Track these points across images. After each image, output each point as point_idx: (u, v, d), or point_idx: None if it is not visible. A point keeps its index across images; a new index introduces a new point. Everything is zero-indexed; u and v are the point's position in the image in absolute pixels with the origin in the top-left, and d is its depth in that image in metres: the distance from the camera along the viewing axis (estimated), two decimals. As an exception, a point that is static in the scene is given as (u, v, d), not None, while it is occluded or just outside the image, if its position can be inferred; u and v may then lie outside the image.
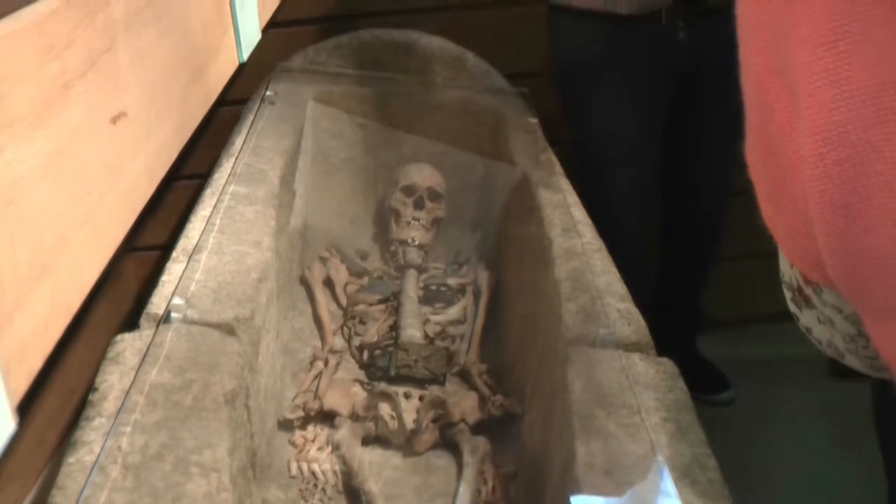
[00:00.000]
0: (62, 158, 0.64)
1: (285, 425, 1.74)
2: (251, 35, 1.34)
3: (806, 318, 0.77)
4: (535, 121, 2.33)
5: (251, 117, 2.21)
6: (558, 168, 2.10)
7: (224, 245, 1.63)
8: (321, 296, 2.13)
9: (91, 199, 0.70)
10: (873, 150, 0.51)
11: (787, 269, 0.74)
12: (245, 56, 1.28)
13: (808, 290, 0.73)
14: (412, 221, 2.27)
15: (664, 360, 1.44)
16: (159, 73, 0.91)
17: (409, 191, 2.31)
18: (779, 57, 0.58)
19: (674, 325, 2.47)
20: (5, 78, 0.57)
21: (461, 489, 1.59)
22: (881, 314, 0.59)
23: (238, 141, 2.08)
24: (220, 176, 1.91)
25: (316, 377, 1.87)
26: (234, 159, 1.99)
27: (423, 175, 2.33)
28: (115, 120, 0.76)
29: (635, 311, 1.55)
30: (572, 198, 1.96)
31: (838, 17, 0.50)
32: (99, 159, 0.71)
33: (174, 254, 1.62)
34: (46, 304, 0.60)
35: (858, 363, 0.76)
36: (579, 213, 1.89)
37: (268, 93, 2.33)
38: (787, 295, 0.78)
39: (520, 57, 2.60)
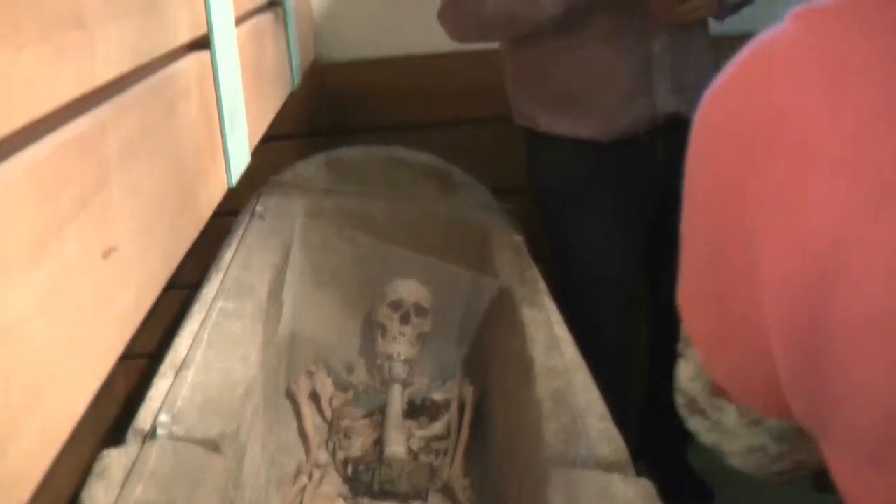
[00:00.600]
0: (56, 297, 0.67)
1: (268, 541, 1.74)
2: (241, 159, 1.39)
3: (693, 424, 0.78)
4: (519, 238, 2.38)
5: (240, 231, 2.26)
6: (542, 286, 2.14)
7: (211, 360, 1.66)
8: (307, 409, 2.14)
9: (82, 332, 0.73)
10: (830, 305, 0.53)
11: (687, 382, 0.76)
12: (234, 181, 1.33)
13: (706, 406, 0.74)
14: (398, 336, 2.30)
15: (643, 480, 1.46)
16: (150, 205, 0.95)
17: (395, 306, 2.34)
18: (733, 209, 0.60)
19: (664, 436, 2.48)
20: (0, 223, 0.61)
21: None
22: (864, 458, 0.57)
23: (227, 255, 2.12)
24: (209, 290, 1.95)
25: (300, 491, 1.88)
26: (222, 273, 2.03)
27: (410, 290, 2.36)
28: (106, 254, 0.79)
29: (615, 430, 1.57)
30: (555, 315, 1.99)
31: (796, 173, 0.54)
32: (91, 294, 0.74)
33: (162, 369, 1.64)
34: (37, 436, 0.63)
35: (754, 470, 0.77)
36: (562, 330, 1.92)
37: (258, 207, 2.38)
38: (679, 400, 0.79)
39: (506, 172, 2.67)
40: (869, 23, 0.54)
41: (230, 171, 1.32)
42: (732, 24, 2.39)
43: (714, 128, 0.61)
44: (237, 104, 1.39)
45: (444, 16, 2.28)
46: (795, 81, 0.55)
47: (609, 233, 2.32)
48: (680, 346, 0.77)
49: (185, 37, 1.17)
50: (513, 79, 2.41)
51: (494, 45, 2.45)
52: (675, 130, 2.17)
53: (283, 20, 2.06)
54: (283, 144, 2.63)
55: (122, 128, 0.88)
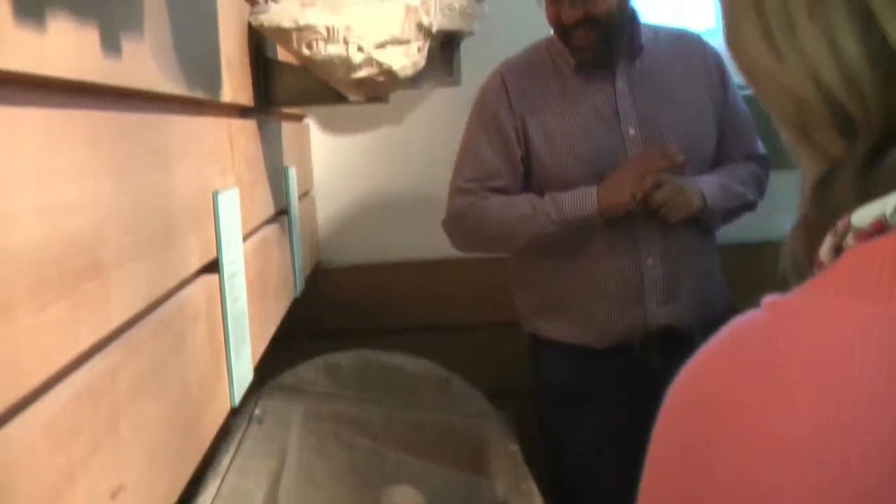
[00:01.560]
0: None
1: None
2: (244, 379, 1.41)
3: None
4: (515, 447, 2.38)
5: (238, 435, 2.26)
6: (538, 500, 2.13)
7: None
8: None
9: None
10: None
11: None
12: (237, 400, 1.35)
13: None
14: (393, 544, 2.27)
15: None
16: (157, 439, 0.97)
17: (391, 512, 2.32)
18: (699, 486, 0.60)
19: None
20: (11, 476, 0.63)
21: None
22: None
23: (224, 460, 2.11)
24: (206, 498, 1.94)
25: None
26: (219, 480, 2.02)
27: (406, 497, 2.35)
28: (114, 494, 0.81)
29: None
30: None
31: (762, 465, 0.56)
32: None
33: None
34: None
35: None
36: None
37: (256, 411, 2.39)
38: None
39: (504, 376, 2.70)
40: (832, 321, 0.57)
41: (233, 391, 1.35)
42: (741, 231, 2.47)
43: (683, 404, 0.63)
44: (242, 325, 1.43)
45: (448, 226, 2.41)
46: (758, 376, 0.57)
47: (602, 445, 2.31)
48: None
49: (195, 265, 1.22)
50: (514, 285, 2.48)
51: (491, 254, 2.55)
52: (669, 342, 2.23)
53: (289, 228, 2.14)
54: (282, 346, 2.66)
55: (133, 368, 0.91)
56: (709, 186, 2.25)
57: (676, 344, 2.24)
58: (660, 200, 2.18)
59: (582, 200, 2.22)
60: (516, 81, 2.35)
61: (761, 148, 2.37)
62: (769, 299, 0.61)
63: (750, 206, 2.37)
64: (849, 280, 0.59)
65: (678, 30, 2.46)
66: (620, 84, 2.28)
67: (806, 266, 0.66)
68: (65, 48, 0.80)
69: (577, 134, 2.28)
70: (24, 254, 0.68)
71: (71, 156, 0.79)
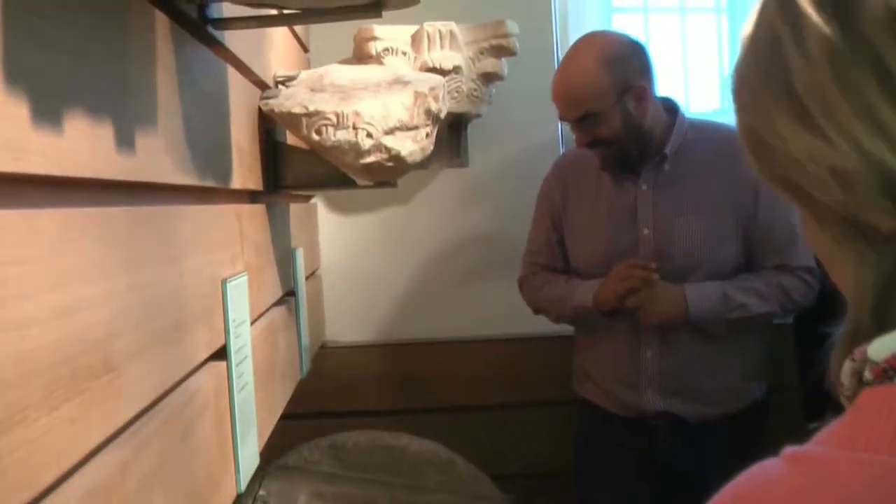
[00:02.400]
0: None
1: None
2: (250, 464, 1.41)
3: None
4: (521, 530, 2.37)
5: (243, 518, 2.24)
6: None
7: None
8: None
9: None
10: None
11: None
12: (244, 486, 1.35)
13: None
14: None
15: None
16: (162, 532, 0.96)
17: None
18: None
19: None
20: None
21: None
22: None
23: (228, 544, 2.09)
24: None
25: None
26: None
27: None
28: None
29: None
30: None
31: None
32: None
33: None
34: None
35: None
36: None
37: (261, 492, 2.37)
38: None
39: (510, 458, 2.69)
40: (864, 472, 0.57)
41: (240, 477, 1.35)
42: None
43: None
44: (250, 411, 1.43)
45: (520, 287, 2.58)
46: None
47: (615, 498, 2.41)
48: None
49: (204, 354, 1.22)
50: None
51: (499, 334, 2.57)
52: (677, 427, 2.26)
53: (296, 309, 2.14)
54: (287, 424, 2.65)
55: (142, 462, 0.91)
56: (699, 295, 2.27)
57: (683, 431, 2.28)
58: (631, 305, 2.27)
59: (584, 293, 2.35)
60: (563, 172, 2.50)
61: (801, 259, 2.30)
62: (789, 451, 0.61)
63: (763, 318, 2.34)
64: (866, 432, 0.59)
65: (724, 129, 2.37)
66: (645, 186, 2.34)
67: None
68: (80, 148, 0.81)
69: (595, 229, 2.39)
70: (38, 355, 0.69)
71: (85, 254, 0.80)
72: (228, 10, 1.40)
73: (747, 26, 0.72)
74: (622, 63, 2.23)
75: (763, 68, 0.68)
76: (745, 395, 2.36)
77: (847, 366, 0.62)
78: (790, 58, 0.65)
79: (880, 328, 0.61)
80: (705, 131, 2.38)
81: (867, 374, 0.60)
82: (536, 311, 2.56)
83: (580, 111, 2.24)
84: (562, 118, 2.34)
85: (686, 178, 2.33)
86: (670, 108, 2.38)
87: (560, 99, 2.29)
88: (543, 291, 2.49)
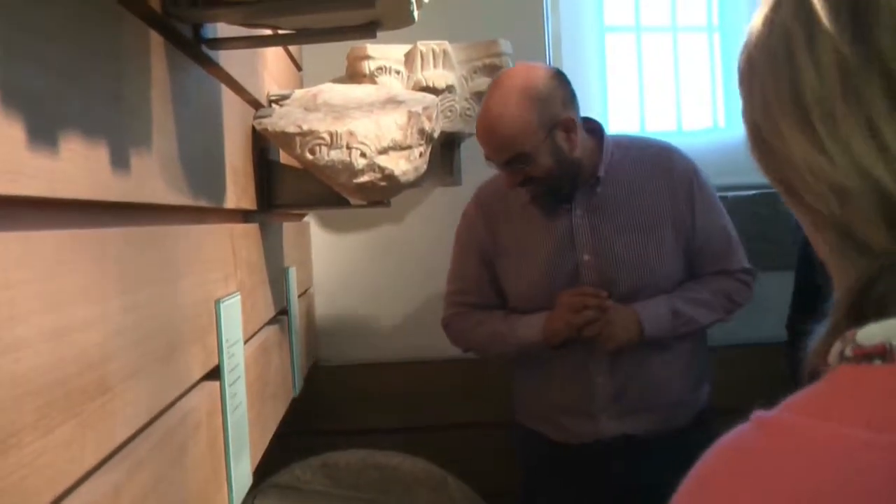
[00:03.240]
0: None
1: None
2: (243, 484, 1.40)
3: None
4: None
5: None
6: None
7: None
8: None
9: None
10: None
11: None
12: (236, 506, 1.34)
13: None
14: None
15: None
16: (155, 555, 0.96)
17: None
18: None
19: None
20: None
21: None
22: None
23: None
24: None
25: None
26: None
27: None
28: None
29: None
30: None
31: None
32: None
33: None
34: None
35: None
36: None
37: (253, 512, 2.37)
38: None
39: (501, 476, 2.67)
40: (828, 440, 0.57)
41: (232, 497, 1.34)
42: (727, 335, 2.49)
43: None
44: (242, 432, 1.43)
45: (443, 328, 2.51)
46: (752, 500, 0.58)
47: None
48: None
49: (198, 374, 1.22)
50: (510, 379, 2.53)
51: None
52: (630, 448, 2.24)
53: (289, 328, 2.14)
54: (278, 442, 2.65)
55: (136, 484, 0.90)
56: (652, 315, 2.26)
57: (637, 448, 2.28)
58: (588, 335, 2.24)
59: (530, 326, 2.30)
60: (488, 205, 2.42)
61: (738, 262, 2.36)
62: (759, 415, 0.61)
63: (710, 326, 2.37)
64: (842, 405, 0.59)
65: (650, 145, 2.42)
66: (579, 211, 2.31)
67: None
68: (75, 169, 0.81)
69: (532, 260, 2.34)
70: (32, 378, 0.68)
71: (79, 276, 0.80)
72: (223, 30, 1.40)
73: (759, 15, 0.71)
74: (547, 98, 2.18)
75: (773, 68, 0.68)
76: (695, 404, 2.36)
77: (837, 345, 0.62)
78: (801, 64, 0.65)
79: (859, 316, 0.62)
80: (630, 149, 2.36)
81: (848, 352, 0.61)
82: (467, 350, 2.52)
83: (510, 153, 2.19)
84: (489, 159, 2.26)
85: (619, 197, 2.30)
86: (593, 128, 2.33)
87: (487, 141, 2.23)
88: (478, 331, 2.42)
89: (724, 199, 2.48)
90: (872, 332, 0.60)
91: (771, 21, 0.69)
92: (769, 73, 0.68)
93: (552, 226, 2.32)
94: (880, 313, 0.61)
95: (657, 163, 2.35)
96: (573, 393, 2.32)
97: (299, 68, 2.70)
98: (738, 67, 0.73)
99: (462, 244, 2.47)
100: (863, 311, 0.62)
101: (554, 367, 2.33)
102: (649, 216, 2.30)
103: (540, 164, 2.19)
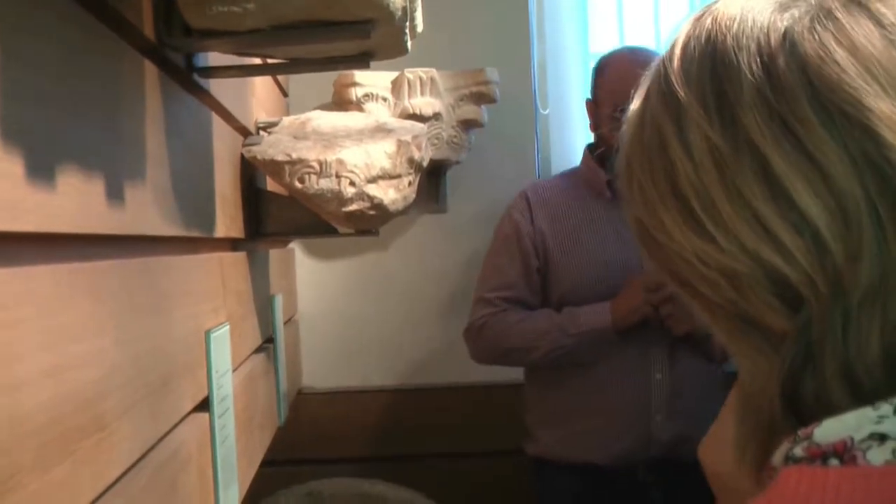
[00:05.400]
0: None
1: None
2: (231, 515, 1.39)
3: None
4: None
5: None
6: None
7: None
8: None
9: None
10: None
11: None
12: (225, 539, 1.32)
13: None
14: None
15: None
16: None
17: None
18: None
19: None
20: None
21: None
22: None
23: None
24: None
25: None
26: None
27: None
28: None
29: None
30: None
31: None
32: None
33: None
34: None
35: None
36: None
37: (236, 542, 2.34)
38: None
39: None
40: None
41: (220, 530, 1.32)
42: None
43: None
44: (231, 464, 1.41)
45: (469, 336, 2.47)
46: None
47: None
48: None
49: (188, 407, 1.21)
50: (528, 400, 2.50)
51: (478, 381, 2.55)
52: (670, 471, 2.23)
53: (274, 357, 2.12)
54: (264, 471, 2.62)
55: (129, 524, 0.89)
56: None
57: (678, 477, 2.24)
58: (668, 312, 2.24)
59: (596, 313, 2.30)
60: (539, 198, 2.46)
61: None
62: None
63: None
64: None
65: None
66: None
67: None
68: (72, 204, 0.80)
69: (595, 246, 2.38)
70: (30, 418, 0.67)
71: (75, 312, 0.79)
72: (215, 59, 1.39)
73: (633, 107, 0.71)
74: None
75: (649, 164, 0.67)
76: None
77: (784, 447, 0.59)
78: (675, 156, 0.64)
79: (797, 414, 0.60)
80: None
81: (798, 451, 0.58)
82: (497, 354, 2.43)
83: None
84: (623, 107, 2.28)
85: None
86: None
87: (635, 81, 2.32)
88: (522, 327, 2.36)
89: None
90: (831, 429, 0.57)
91: (641, 115, 0.70)
92: (646, 169, 0.68)
93: (613, 221, 2.36)
94: (822, 399, 0.59)
95: None
96: (630, 390, 2.31)
97: (285, 94, 2.70)
98: (616, 167, 0.73)
99: (506, 241, 2.45)
100: (798, 400, 0.60)
101: (612, 363, 2.31)
102: None
103: None
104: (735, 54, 0.63)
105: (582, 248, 2.39)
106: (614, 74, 2.36)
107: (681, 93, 0.65)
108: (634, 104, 0.71)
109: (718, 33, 0.65)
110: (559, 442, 2.38)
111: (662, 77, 0.68)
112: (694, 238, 0.64)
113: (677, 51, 0.68)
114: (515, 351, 2.39)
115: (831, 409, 0.58)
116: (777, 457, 0.60)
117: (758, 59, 0.63)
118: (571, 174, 2.56)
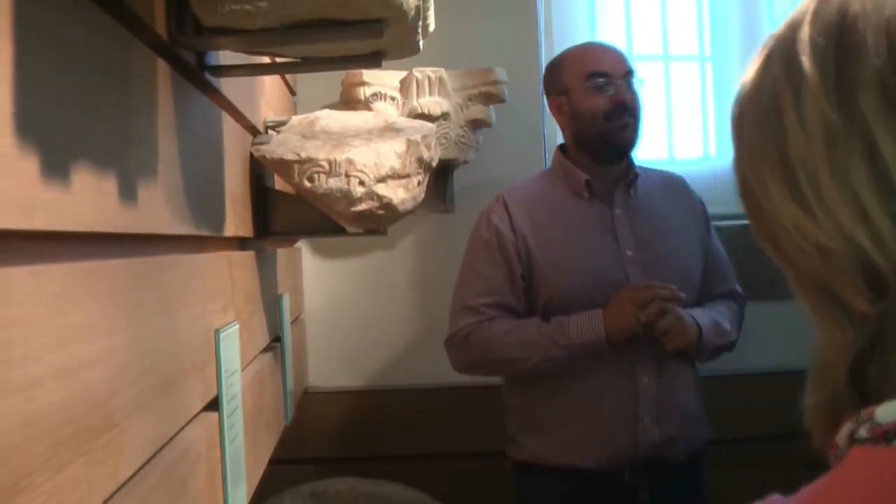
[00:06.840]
0: None
1: None
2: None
3: None
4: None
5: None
6: None
7: None
8: None
9: None
10: None
11: None
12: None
13: None
14: None
15: None
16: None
17: None
18: None
19: None
20: None
21: None
22: None
23: None
24: None
25: None
26: None
27: None
28: None
29: None
30: None
31: None
32: None
33: None
34: None
35: None
36: None
37: (242, 541, 2.33)
38: None
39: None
40: None
41: (228, 534, 1.32)
42: (714, 365, 2.48)
43: None
44: (239, 463, 1.41)
45: (451, 345, 2.37)
46: None
47: None
48: None
49: (198, 406, 1.20)
50: (510, 407, 2.44)
51: (479, 381, 2.54)
52: (657, 473, 2.22)
53: (281, 356, 2.12)
54: (269, 470, 2.62)
55: (139, 524, 0.89)
56: (704, 321, 2.27)
57: (663, 478, 2.25)
58: (663, 328, 2.20)
59: (588, 325, 2.23)
60: (518, 202, 2.38)
61: (739, 287, 2.46)
62: (775, 501, 0.59)
63: (730, 347, 2.39)
64: (858, 495, 0.57)
65: (664, 171, 2.55)
66: (618, 210, 2.34)
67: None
68: (85, 202, 0.80)
69: (578, 251, 2.31)
70: (43, 418, 0.67)
71: (86, 311, 0.79)
72: (225, 58, 1.39)
73: (751, 71, 0.71)
74: None
75: (762, 126, 0.68)
76: (704, 423, 2.37)
77: (847, 427, 0.60)
78: (789, 125, 0.65)
79: (861, 394, 0.61)
80: (646, 170, 2.46)
81: (863, 432, 0.59)
82: (479, 365, 2.36)
83: (626, 66, 2.32)
84: (611, 73, 2.31)
85: (652, 202, 2.39)
86: None
87: (607, 56, 2.35)
88: (507, 340, 2.28)
89: (718, 228, 2.50)
90: (890, 410, 0.58)
91: (761, 77, 0.70)
92: (758, 129, 0.68)
93: (594, 222, 2.34)
94: (885, 383, 0.60)
95: (674, 183, 2.49)
96: (618, 393, 2.26)
97: (293, 93, 2.70)
98: (732, 115, 0.73)
99: (487, 246, 2.35)
100: (864, 379, 0.61)
101: (599, 368, 2.26)
102: (679, 226, 2.40)
103: (635, 93, 2.32)
104: (863, 31, 0.63)
105: (565, 252, 2.32)
106: (573, 56, 2.37)
107: (805, 62, 0.65)
108: (756, 61, 0.71)
109: (851, 5, 0.64)
110: (546, 447, 2.33)
111: (788, 42, 0.67)
112: (794, 208, 0.65)
113: (808, 16, 0.66)
114: (503, 362, 2.32)
115: (892, 395, 0.59)
116: (841, 436, 0.60)
117: (885, 41, 0.62)
118: (546, 175, 2.49)
